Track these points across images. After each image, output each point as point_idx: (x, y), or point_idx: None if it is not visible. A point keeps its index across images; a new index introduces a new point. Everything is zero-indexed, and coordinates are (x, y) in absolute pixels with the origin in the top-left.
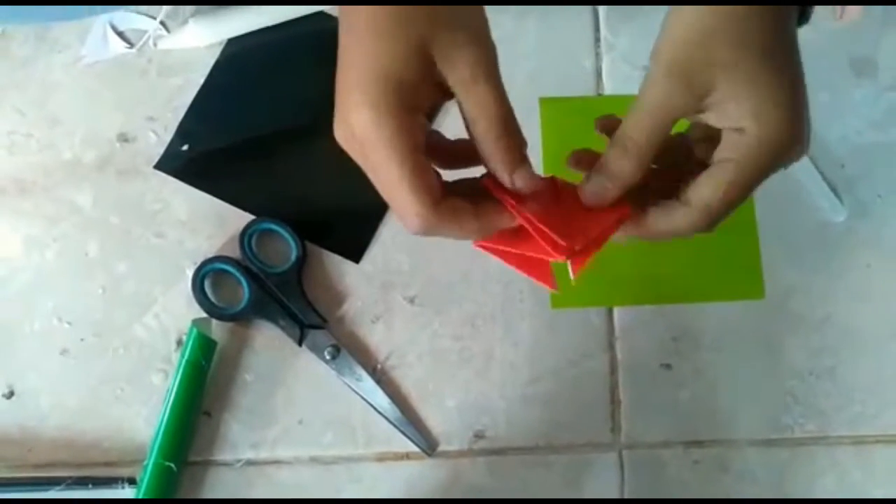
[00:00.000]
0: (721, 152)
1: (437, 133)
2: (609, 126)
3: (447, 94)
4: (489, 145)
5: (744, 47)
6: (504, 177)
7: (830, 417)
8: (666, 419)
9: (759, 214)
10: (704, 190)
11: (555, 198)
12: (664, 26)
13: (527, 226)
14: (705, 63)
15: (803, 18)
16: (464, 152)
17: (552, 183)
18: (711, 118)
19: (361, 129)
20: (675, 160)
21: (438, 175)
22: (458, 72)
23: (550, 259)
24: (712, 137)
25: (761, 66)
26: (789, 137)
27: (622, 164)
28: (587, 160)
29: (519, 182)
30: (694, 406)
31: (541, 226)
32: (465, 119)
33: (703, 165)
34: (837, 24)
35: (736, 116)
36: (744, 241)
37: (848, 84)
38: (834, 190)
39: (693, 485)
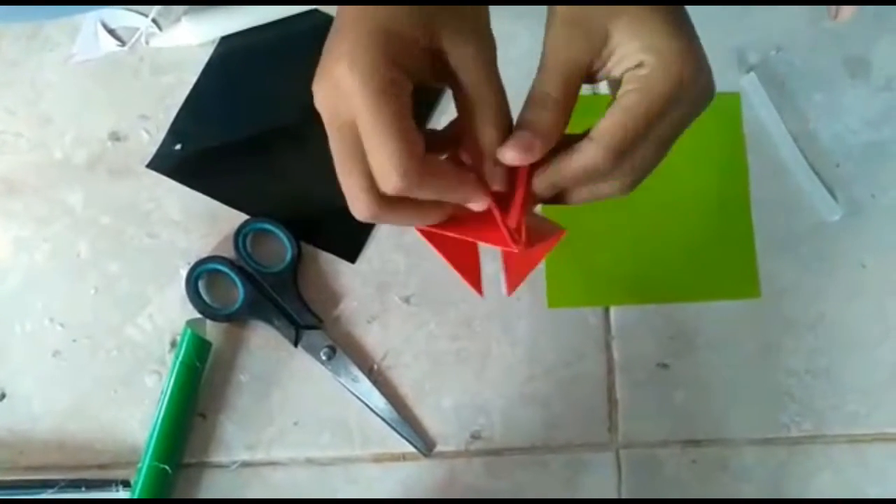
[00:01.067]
0: (622, 88)
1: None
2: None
3: (436, 72)
4: (484, 122)
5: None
6: (483, 164)
7: (826, 416)
8: (663, 419)
9: (755, 214)
10: (606, 121)
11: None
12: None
13: (494, 211)
14: (599, 12)
15: None
16: (440, 141)
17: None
18: (613, 67)
19: (348, 79)
20: None
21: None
22: (466, 48)
23: (504, 248)
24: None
25: (651, 9)
26: (689, 68)
27: (546, 118)
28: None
29: (492, 178)
30: (691, 405)
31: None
32: (463, 102)
33: None
34: (831, 24)
35: (632, 55)
36: (739, 241)
37: (842, 84)
38: (829, 189)
39: (691, 484)
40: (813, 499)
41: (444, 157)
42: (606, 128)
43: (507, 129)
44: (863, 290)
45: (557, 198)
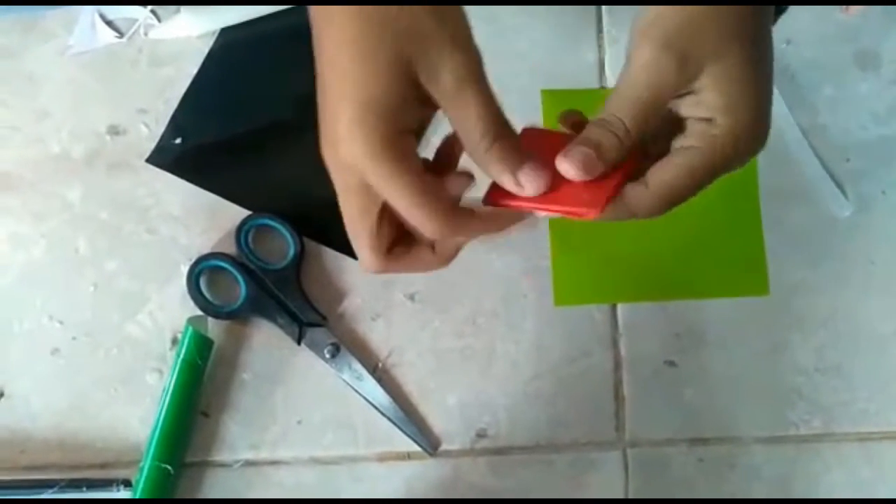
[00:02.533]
0: (686, 140)
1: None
2: (574, 120)
3: (434, 107)
4: (486, 154)
5: (734, 37)
6: (508, 182)
7: (836, 414)
8: (670, 417)
9: (764, 210)
10: (665, 175)
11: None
12: (652, 8)
13: (552, 214)
14: (699, 46)
15: (780, 10)
16: (447, 155)
17: (550, 158)
18: (684, 105)
19: (359, 163)
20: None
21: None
22: (441, 85)
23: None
24: (672, 123)
25: (744, 59)
26: (754, 136)
27: (613, 145)
28: (577, 123)
29: (526, 182)
30: (699, 403)
31: (566, 208)
32: (455, 130)
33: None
34: (842, 18)
35: (710, 107)
36: (748, 237)
37: (852, 78)
38: (839, 185)
39: (698, 483)
40: (822, 499)
41: None
42: (665, 182)
43: (512, 135)
44: (872, 287)
45: None
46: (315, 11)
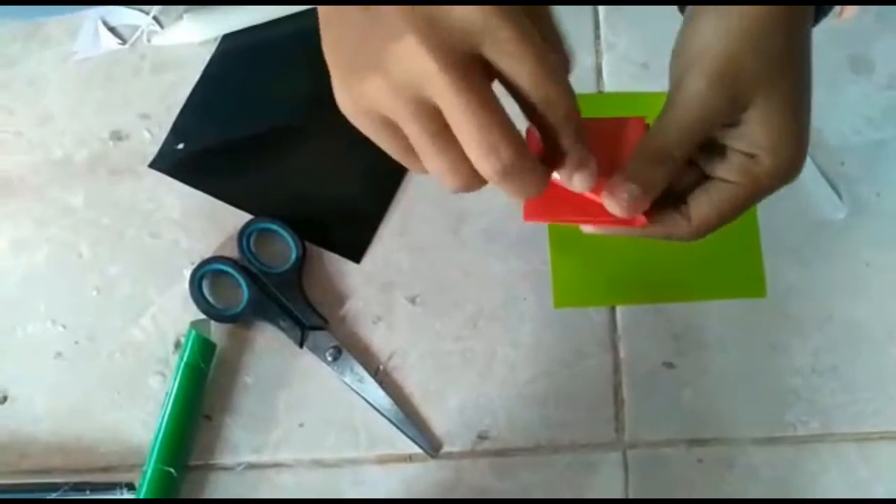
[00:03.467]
0: (728, 173)
1: None
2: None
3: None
4: (572, 125)
5: (782, 69)
6: (566, 172)
7: (833, 415)
8: (669, 418)
9: (760, 213)
10: (709, 210)
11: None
12: (698, 32)
13: (597, 227)
14: (749, 79)
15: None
16: None
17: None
18: (728, 135)
19: (422, 58)
20: None
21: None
22: (501, 43)
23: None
24: (712, 147)
25: (791, 91)
26: (793, 171)
27: (659, 178)
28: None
29: (579, 181)
30: (697, 404)
31: (614, 222)
32: (521, 96)
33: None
34: (835, 23)
35: (755, 143)
36: (745, 240)
37: (846, 82)
38: (834, 188)
39: (697, 483)
40: (820, 499)
41: None
42: (707, 216)
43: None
44: (868, 289)
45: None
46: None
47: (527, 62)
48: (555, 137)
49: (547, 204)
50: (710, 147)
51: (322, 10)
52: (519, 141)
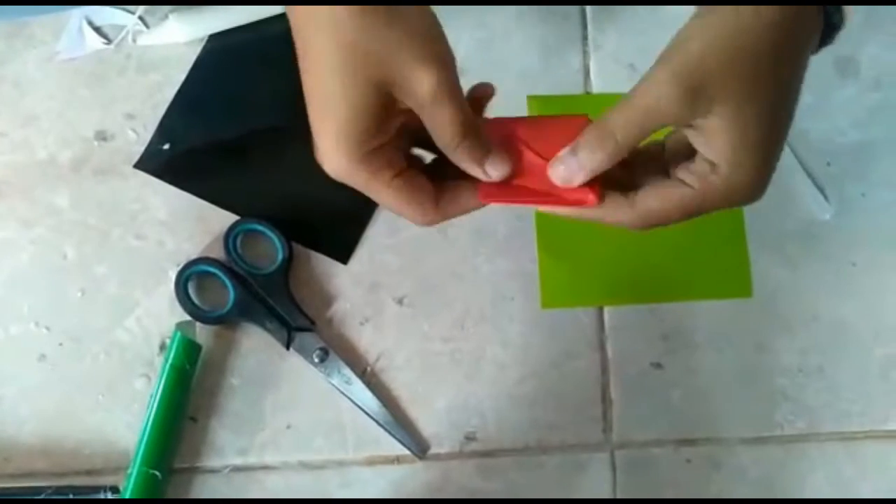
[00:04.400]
0: (685, 173)
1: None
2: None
3: (411, 116)
4: (455, 152)
5: (757, 90)
6: (478, 173)
7: (819, 414)
8: (657, 418)
9: (747, 213)
10: (653, 202)
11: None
12: (681, 34)
13: (551, 208)
14: (715, 83)
15: (824, 43)
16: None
17: (516, 143)
18: (692, 135)
19: (343, 176)
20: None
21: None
22: (415, 98)
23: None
24: (679, 142)
25: (762, 105)
26: (751, 192)
27: (598, 157)
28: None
29: (492, 171)
30: (685, 405)
31: (562, 206)
32: (429, 132)
33: (652, 157)
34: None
35: (716, 152)
36: (732, 240)
37: (832, 84)
38: (820, 188)
39: (685, 483)
40: (808, 499)
41: None
42: (648, 205)
43: (478, 134)
44: (854, 289)
45: None
46: (295, 35)
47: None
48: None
49: (503, 187)
50: (683, 150)
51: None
52: (427, 202)
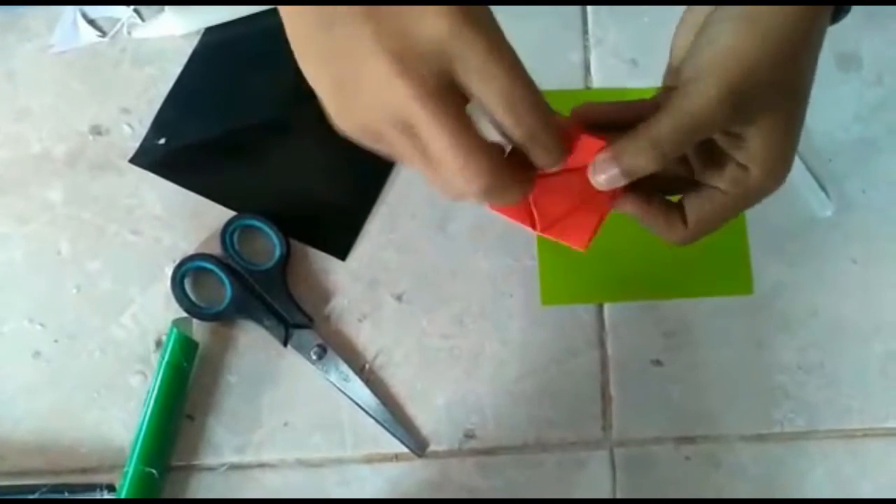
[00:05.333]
0: (719, 180)
1: None
2: (590, 114)
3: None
4: (535, 131)
5: (791, 92)
6: (550, 148)
7: (819, 412)
8: (657, 416)
9: (748, 210)
10: (704, 216)
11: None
12: (715, 41)
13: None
14: (761, 98)
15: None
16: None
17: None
18: (727, 141)
19: (404, 101)
20: None
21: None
22: (471, 61)
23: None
24: (710, 152)
25: (793, 114)
26: (776, 186)
27: (642, 163)
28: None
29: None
30: (685, 402)
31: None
32: (491, 115)
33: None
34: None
35: (751, 157)
36: (732, 237)
37: (833, 79)
38: (821, 185)
39: (685, 481)
40: (808, 499)
41: None
42: (703, 222)
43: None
44: (854, 286)
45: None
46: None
47: (497, 84)
48: (527, 152)
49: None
50: (708, 152)
51: (288, 31)
52: (495, 162)
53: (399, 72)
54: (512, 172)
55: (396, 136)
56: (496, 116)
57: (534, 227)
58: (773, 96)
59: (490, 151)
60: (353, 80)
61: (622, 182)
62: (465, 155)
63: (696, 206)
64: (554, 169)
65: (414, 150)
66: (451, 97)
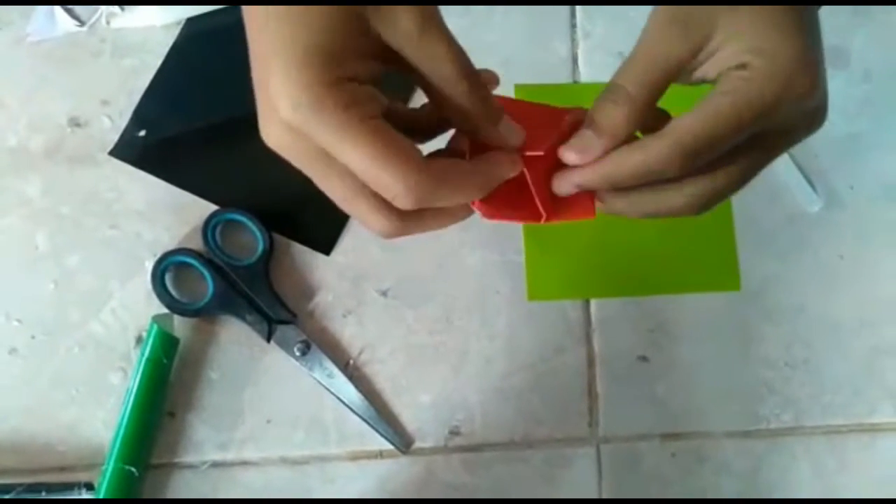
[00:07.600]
0: (716, 89)
1: (395, 104)
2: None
3: (387, 62)
4: (464, 98)
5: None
6: (489, 131)
7: (805, 408)
8: (643, 412)
9: (735, 205)
10: (683, 120)
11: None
12: None
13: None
14: (706, 11)
15: None
16: (425, 122)
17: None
18: (709, 69)
19: (301, 120)
20: None
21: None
22: (401, 28)
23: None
24: None
25: (767, 8)
26: (803, 77)
27: (613, 115)
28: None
29: (509, 135)
30: (671, 398)
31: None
32: (422, 83)
33: None
34: None
35: (735, 55)
36: (720, 233)
37: None
38: (809, 181)
39: (670, 477)
40: (800, 499)
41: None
42: (683, 126)
43: (484, 85)
44: (841, 282)
45: (616, 206)
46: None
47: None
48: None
49: (499, 197)
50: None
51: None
52: (415, 157)
53: (291, 76)
54: (444, 169)
55: (303, 165)
56: (446, 88)
57: (538, 219)
58: (724, 9)
59: (408, 148)
60: (264, 97)
61: (600, 146)
62: (379, 161)
63: (683, 115)
64: (532, 152)
65: (323, 183)
66: (355, 98)
